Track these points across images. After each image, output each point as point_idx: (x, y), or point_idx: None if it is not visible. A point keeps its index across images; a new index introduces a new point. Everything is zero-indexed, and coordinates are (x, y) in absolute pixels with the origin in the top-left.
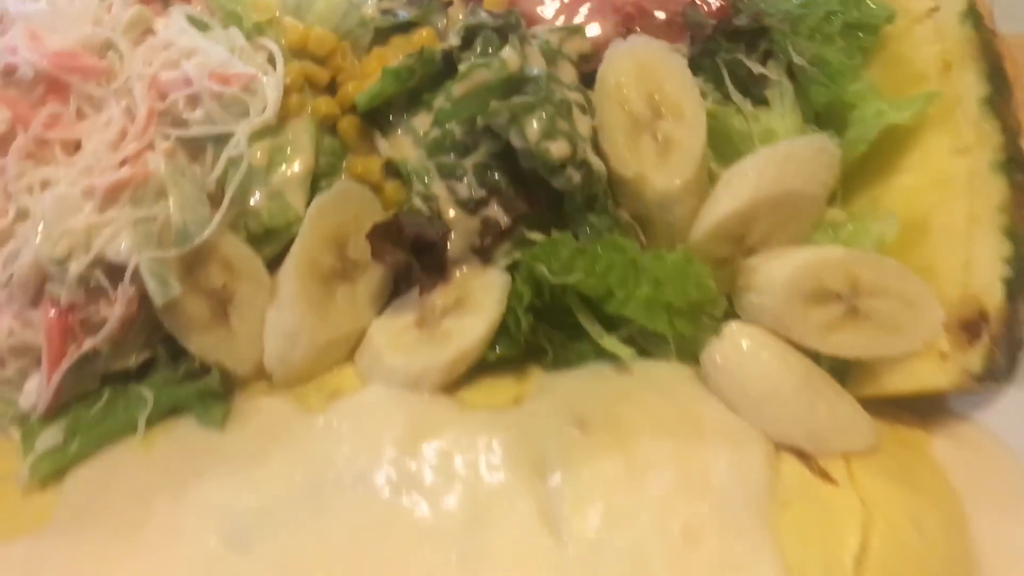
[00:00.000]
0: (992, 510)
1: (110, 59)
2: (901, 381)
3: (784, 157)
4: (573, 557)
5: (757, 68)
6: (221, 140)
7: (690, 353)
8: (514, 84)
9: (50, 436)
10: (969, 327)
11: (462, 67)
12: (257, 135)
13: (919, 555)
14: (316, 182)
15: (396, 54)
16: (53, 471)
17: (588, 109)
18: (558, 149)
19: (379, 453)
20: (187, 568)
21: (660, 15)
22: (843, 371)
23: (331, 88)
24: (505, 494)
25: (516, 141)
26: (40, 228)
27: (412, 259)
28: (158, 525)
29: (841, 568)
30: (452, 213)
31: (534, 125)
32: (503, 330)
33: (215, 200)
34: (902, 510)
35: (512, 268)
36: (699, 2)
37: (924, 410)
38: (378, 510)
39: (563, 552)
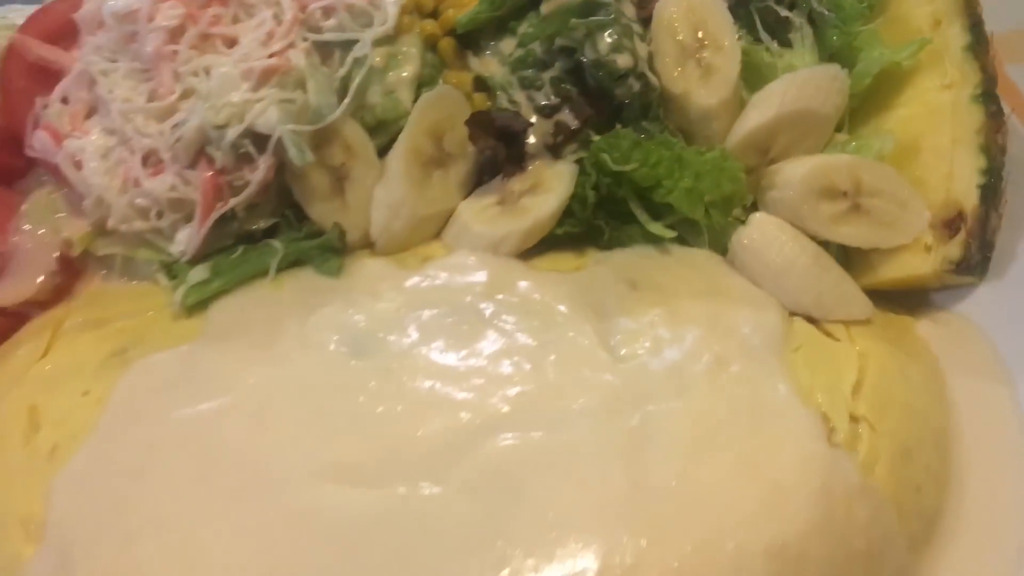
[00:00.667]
0: (966, 372)
1: None
2: (893, 269)
3: (803, 81)
4: (624, 368)
5: (784, 12)
6: (348, 45)
7: (719, 246)
8: (589, 7)
9: (197, 273)
10: (950, 224)
11: None
12: (377, 42)
13: (905, 393)
14: (419, 88)
15: None
16: (199, 301)
17: (644, 38)
18: (623, 60)
19: (466, 297)
20: (315, 369)
21: None
22: (845, 262)
23: (434, 15)
24: (571, 325)
25: (589, 54)
26: (206, 100)
27: (500, 144)
28: (289, 339)
29: (841, 393)
30: (531, 117)
31: (605, 39)
32: (568, 211)
33: (340, 94)
34: (891, 362)
35: (577, 163)
36: None
37: (911, 303)
38: (465, 333)
39: (617, 364)
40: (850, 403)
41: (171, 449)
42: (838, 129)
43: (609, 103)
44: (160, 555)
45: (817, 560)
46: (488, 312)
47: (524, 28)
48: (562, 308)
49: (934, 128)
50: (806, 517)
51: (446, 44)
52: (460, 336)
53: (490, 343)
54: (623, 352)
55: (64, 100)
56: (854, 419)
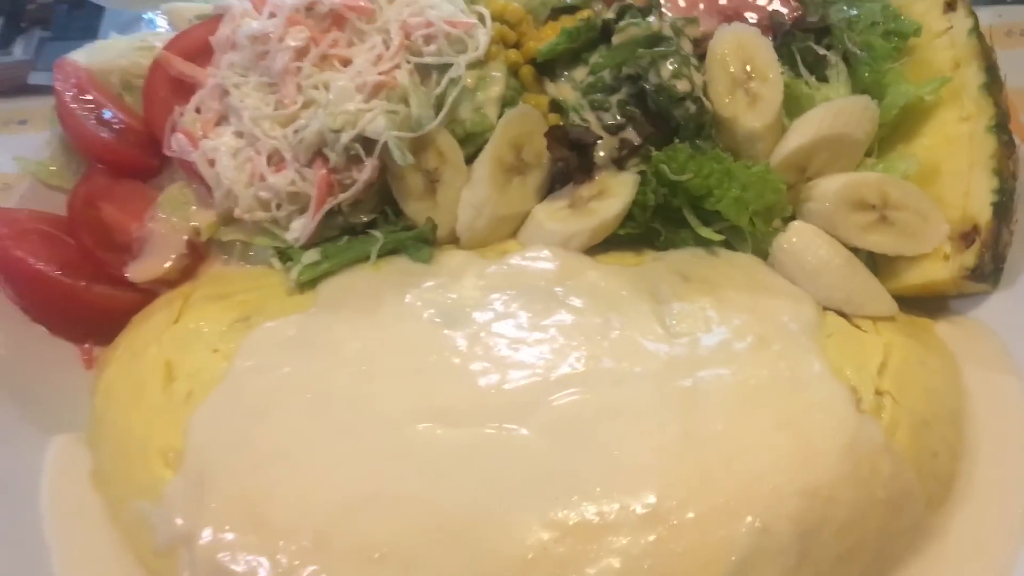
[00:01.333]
0: (978, 365)
1: (375, 7)
2: (916, 275)
3: (839, 109)
4: (678, 342)
5: (822, 51)
6: (444, 68)
7: (761, 252)
8: (654, 39)
9: (310, 256)
10: (966, 237)
11: (619, 26)
12: (469, 66)
13: (924, 377)
14: (503, 107)
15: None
16: (311, 279)
17: (700, 69)
18: (682, 85)
19: (540, 282)
20: (411, 333)
21: (752, 17)
22: (873, 267)
23: (517, 46)
24: (631, 306)
25: (652, 79)
26: (325, 109)
27: (572, 155)
28: (387, 310)
29: (868, 371)
30: (600, 134)
31: (667, 67)
32: (630, 215)
33: (436, 108)
34: (912, 351)
35: (639, 174)
36: (781, 8)
37: (932, 308)
38: (539, 311)
39: (671, 339)
40: (876, 380)
41: (289, 395)
42: (868, 154)
43: (668, 123)
44: (281, 479)
45: (844, 504)
46: (559, 294)
47: (595, 58)
48: (623, 293)
49: (953, 154)
50: (836, 467)
51: (527, 71)
52: (535, 312)
53: (561, 318)
54: (677, 329)
55: (197, 109)
56: (879, 393)
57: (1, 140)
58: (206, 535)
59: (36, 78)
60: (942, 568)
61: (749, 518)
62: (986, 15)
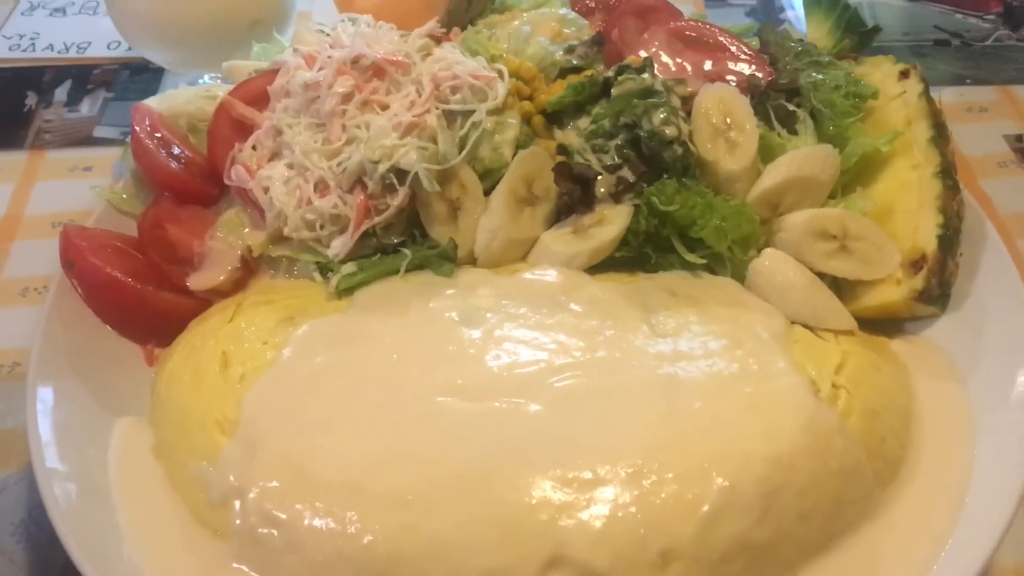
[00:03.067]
0: (927, 374)
1: (410, 61)
2: (873, 297)
3: (805, 155)
4: (663, 341)
5: (792, 108)
6: (467, 114)
7: (739, 277)
8: (647, 92)
9: (347, 268)
10: (915, 264)
11: (618, 80)
12: (489, 113)
13: (876, 378)
14: (517, 148)
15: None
16: (348, 288)
17: (686, 120)
18: (671, 131)
19: (545, 292)
20: (435, 330)
21: (732, 79)
22: (836, 290)
23: (530, 99)
24: (624, 312)
25: (645, 125)
26: (365, 143)
27: (575, 189)
28: (415, 313)
29: (826, 370)
30: (599, 172)
31: (659, 115)
32: (624, 240)
33: (460, 147)
34: (867, 358)
35: (634, 207)
36: (757, 73)
37: (888, 329)
38: (545, 314)
39: (657, 338)
40: (833, 376)
41: (329, 377)
42: (832, 196)
43: (658, 164)
44: (321, 442)
45: (802, 471)
46: (562, 301)
47: (596, 110)
48: (618, 302)
49: (904, 196)
50: (795, 440)
51: (538, 120)
52: (541, 315)
53: (563, 319)
54: (662, 330)
55: (254, 147)
56: (835, 387)
57: (70, 184)
58: (255, 487)
59: (100, 131)
60: (890, 534)
61: (720, 479)
62: (949, 94)
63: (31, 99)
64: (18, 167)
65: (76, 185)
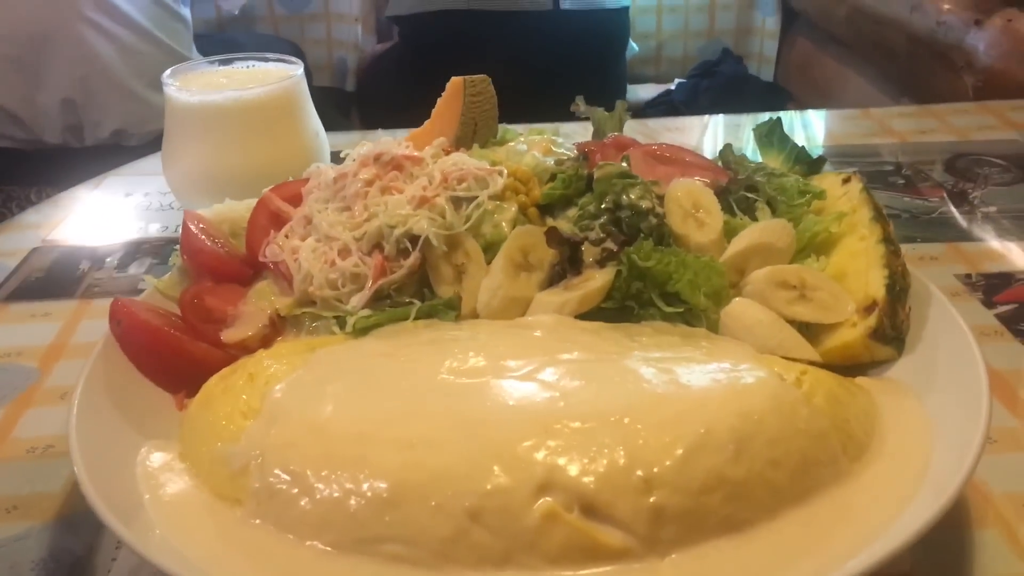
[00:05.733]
0: (890, 393)
1: (424, 160)
2: (833, 338)
3: (763, 226)
4: (644, 348)
5: (751, 197)
6: (471, 199)
7: (713, 328)
8: (625, 174)
9: (363, 313)
10: (868, 308)
11: (599, 165)
12: (490, 198)
13: (839, 384)
14: (515, 227)
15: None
16: (362, 329)
17: (660, 205)
18: (646, 203)
19: (536, 331)
20: (439, 348)
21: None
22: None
23: (526, 193)
24: (608, 334)
25: (624, 200)
26: (384, 214)
27: (566, 248)
28: (423, 339)
29: (792, 369)
30: (585, 245)
31: (636, 192)
32: (609, 295)
33: (465, 221)
34: (829, 374)
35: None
36: (719, 178)
37: (850, 374)
38: (538, 337)
39: (638, 346)
40: (797, 374)
41: (348, 376)
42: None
43: (637, 235)
44: (337, 409)
45: (771, 425)
46: (552, 334)
47: (582, 200)
48: (602, 330)
49: (855, 262)
50: (763, 404)
51: (532, 211)
52: (535, 337)
53: (555, 338)
54: (643, 343)
55: (286, 235)
56: (800, 377)
57: None
58: (273, 449)
59: (143, 284)
60: (860, 494)
61: (695, 425)
62: (904, 246)
63: (84, 265)
64: (68, 310)
65: None
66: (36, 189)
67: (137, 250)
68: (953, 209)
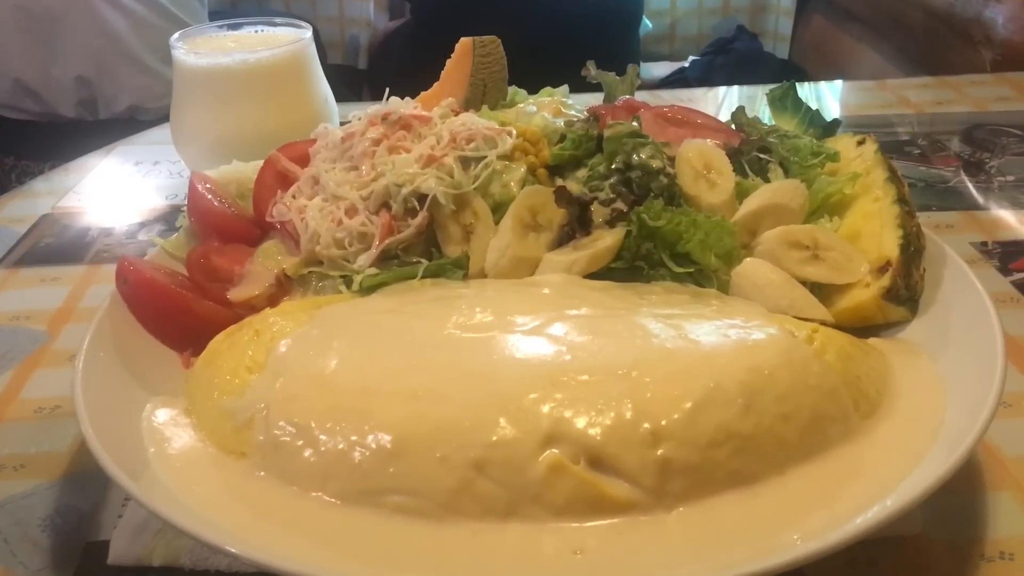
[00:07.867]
0: (902, 353)
1: (433, 119)
2: (846, 299)
3: (777, 186)
4: (653, 305)
5: (764, 157)
6: (479, 159)
7: (723, 289)
8: (636, 134)
9: (369, 271)
10: (881, 268)
11: (609, 124)
12: (499, 158)
13: (851, 342)
14: (523, 186)
15: None
16: (368, 287)
17: (671, 165)
18: (656, 163)
19: (544, 289)
20: (446, 304)
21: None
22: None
23: (535, 154)
24: (618, 292)
25: (634, 160)
26: (392, 172)
27: (575, 207)
28: (430, 296)
29: (803, 327)
30: (594, 205)
31: (647, 151)
32: (619, 255)
33: (473, 181)
34: (841, 334)
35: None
36: (732, 140)
37: (862, 332)
38: (549, 309)
39: (647, 303)
40: (808, 331)
41: (353, 331)
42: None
43: (647, 194)
44: (341, 363)
45: (782, 380)
46: (563, 297)
47: (592, 161)
48: (612, 287)
49: (868, 223)
50: (774, 358)
51: (542, 172)
52: (543, 293)
53: (564, 294)
54: (652, 301)
55: (293, 196)
56: (811, 335)
57: None
58: (278, 402)
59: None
60: (872, 451)
61: (704, 379)
62: (919, 214)
63: (94, 231)
64: (76, 276)
65: None
66: (51, 164)
67: (146, 217)
68: (967, 179)
